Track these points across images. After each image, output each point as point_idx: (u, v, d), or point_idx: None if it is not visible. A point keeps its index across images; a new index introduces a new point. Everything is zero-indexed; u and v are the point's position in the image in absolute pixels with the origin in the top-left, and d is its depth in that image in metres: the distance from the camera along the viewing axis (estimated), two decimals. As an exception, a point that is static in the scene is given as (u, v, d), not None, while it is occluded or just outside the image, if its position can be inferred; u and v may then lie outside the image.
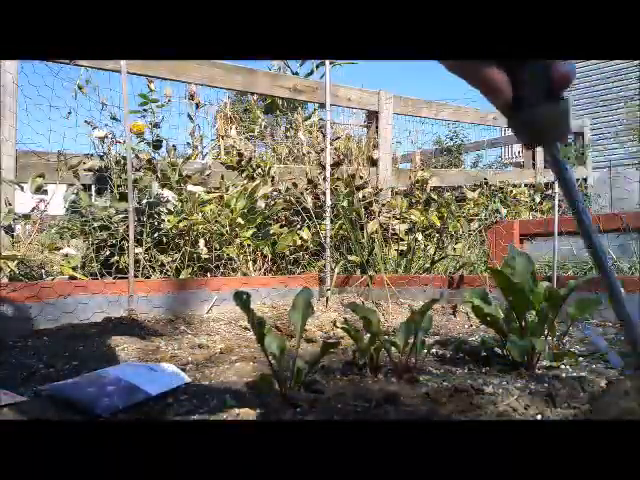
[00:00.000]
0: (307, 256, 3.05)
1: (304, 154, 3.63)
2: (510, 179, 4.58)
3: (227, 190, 2.86)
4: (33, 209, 2.49)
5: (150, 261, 2.52)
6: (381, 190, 3.51)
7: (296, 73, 5.62)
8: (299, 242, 2.99)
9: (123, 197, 2.53)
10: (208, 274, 2.65)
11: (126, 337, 1.72)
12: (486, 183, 4.37)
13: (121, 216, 2.50)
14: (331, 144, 2.90)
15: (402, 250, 3.01)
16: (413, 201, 3.62)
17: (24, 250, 2.34)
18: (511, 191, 4.38)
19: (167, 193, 2.59)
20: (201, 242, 2.64)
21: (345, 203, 3.10)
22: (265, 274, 2.86)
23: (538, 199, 4.54)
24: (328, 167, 2.63)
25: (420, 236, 3.15)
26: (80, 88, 2.68)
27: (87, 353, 1.46)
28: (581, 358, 1.33)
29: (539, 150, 5.23)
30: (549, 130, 0.50)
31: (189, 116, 3.32)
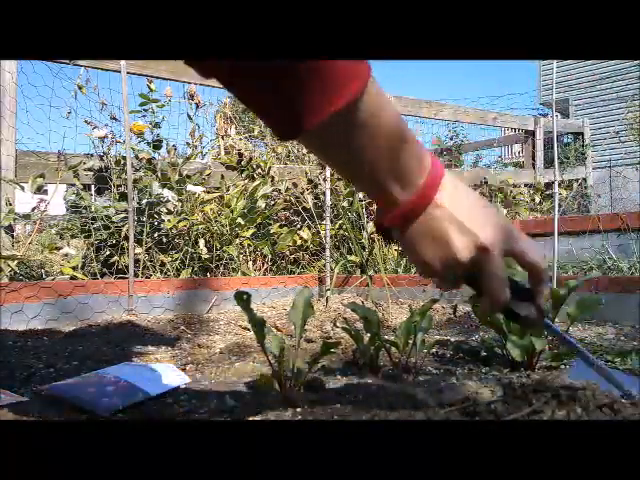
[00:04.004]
0: (307, 256, 3.05)
1: (304, 154, 3.63)
2: (510, 179, 4.58)
3: (227, 190, 2.86)
4: (33, 209, 2.49)
5: (150, 261, 2.52)
6: (381, 190, 3.50)
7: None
8: (299, 242, 2.99)
9: (123, 197, 2.53)
10: (208, 274, 2.65)
11: (126, 337, 1.72)
12: (486, 183, 4.37)
13: (121, 216, 2.50)
14: (331, 144, 2.90)
15: (402, 250, 3.01)
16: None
17: (24, 250, 2.34)
18: (511, 191, 4.37)
19: (167, 193, 2.59)
20: (201, 242, 2.64)
21: (345, 203, 3.10)
22: (265, 274, 2.86)
23: (538, 199, 4.54)
24: (328, 167, 2.64)
25: (420, 236, 3.15)
26: (80, 88, 2.68)
27: (87, 353, 1.45)
28: (581, 358, 1.33)
29: (539, 150, 5.23)
30: None
31: (189, 116, 3.31)
